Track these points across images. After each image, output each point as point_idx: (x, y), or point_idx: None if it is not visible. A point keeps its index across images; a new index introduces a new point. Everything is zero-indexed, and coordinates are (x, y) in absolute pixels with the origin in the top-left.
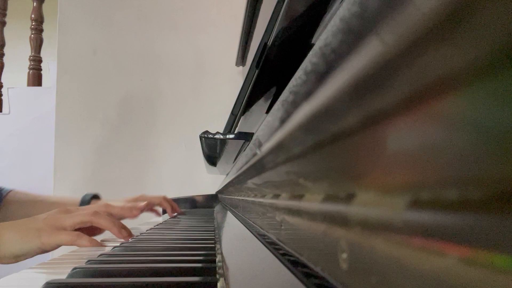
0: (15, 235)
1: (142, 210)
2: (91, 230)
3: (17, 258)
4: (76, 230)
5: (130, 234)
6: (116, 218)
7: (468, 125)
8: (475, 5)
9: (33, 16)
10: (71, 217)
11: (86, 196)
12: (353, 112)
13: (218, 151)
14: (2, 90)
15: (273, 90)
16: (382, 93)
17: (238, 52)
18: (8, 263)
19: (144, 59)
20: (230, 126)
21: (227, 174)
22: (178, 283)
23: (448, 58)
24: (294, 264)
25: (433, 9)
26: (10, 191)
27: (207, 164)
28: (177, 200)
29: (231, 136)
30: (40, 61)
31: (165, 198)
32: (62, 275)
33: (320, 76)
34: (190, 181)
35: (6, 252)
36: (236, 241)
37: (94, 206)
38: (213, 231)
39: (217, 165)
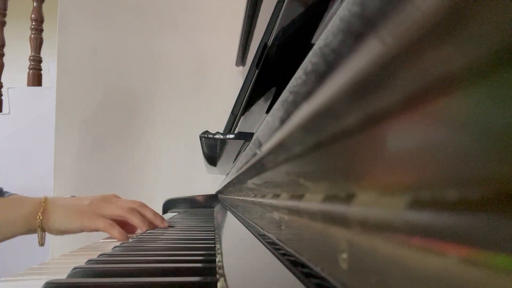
0: (63, 213)
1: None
2: (129, 226)
3: (62, 232)
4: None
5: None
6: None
7: (468, 125)
8: (475, 5)
9: (33, 16)
10: (111, 208)
11: None
12: (353, 112)
13: (218, 151)
14: (2, 90)
15: (273, 90)
16: (382, 93)
17: (238, 52)
18: (55, 235)
19: (144, 59)
20: (230, 126)
21: (227, 174)
22: (178, 283)
23: (448, 58)
24: (294, 264)
25: (433, 9)
26: (11, 195)
27: (207, 164)
28: (177, 200)
29: (231, 136)
30: (40, 61)
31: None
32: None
33: (320, 76)
34: (190, 181)
35: (54, 226)
36: (236, 241)
37: (131, 202)
38: (213, 231)
39: (217, 165)
